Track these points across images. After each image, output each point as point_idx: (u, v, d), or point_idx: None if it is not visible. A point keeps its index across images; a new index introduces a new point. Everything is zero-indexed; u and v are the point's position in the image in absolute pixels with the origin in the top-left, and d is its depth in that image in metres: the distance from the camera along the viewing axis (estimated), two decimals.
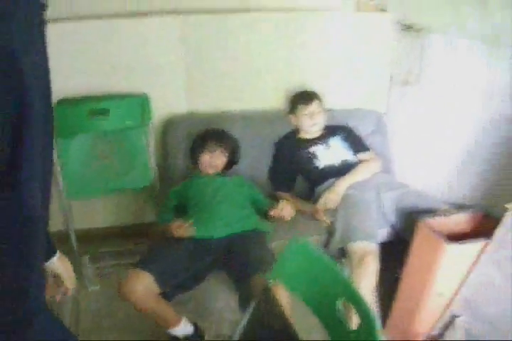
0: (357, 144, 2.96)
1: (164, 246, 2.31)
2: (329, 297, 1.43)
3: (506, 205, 1.82)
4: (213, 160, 2.67)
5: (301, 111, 2.88)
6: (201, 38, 2.83)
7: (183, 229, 2.32)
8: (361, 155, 2.92)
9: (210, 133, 2.75)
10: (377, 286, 2.26)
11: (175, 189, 2.68)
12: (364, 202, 2.58)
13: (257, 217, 2.56)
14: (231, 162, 2.79)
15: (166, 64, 2.84)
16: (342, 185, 2.69)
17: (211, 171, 2.69)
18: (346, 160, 2.86)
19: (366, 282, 2.21)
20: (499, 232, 1.83)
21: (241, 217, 2.49)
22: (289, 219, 2.47)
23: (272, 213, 2.43)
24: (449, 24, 2.49)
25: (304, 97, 2.91)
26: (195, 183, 2.67)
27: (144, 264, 2.12)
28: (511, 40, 2.11)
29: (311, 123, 2.87)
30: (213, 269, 2.36)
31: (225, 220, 2.42)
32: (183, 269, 2.22)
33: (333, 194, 2.65)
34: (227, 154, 2.73)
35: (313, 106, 2.87)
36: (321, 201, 2.66)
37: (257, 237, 2.42)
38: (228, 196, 2.56)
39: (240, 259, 2.25)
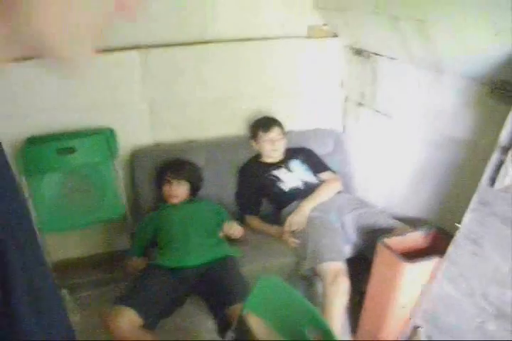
0: (317, 165, 3.07)
1: (142, 279, 2.39)
2: (298, 325, 1.55)
3: (457, 224, 1.96)
4: (173, 190, 2.75)
5: (262, 138, 2.96)
6: (162, 70, 2.90)
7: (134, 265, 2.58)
8: (322, 175, 3.03)
9: (168, 165, 2.83)
10: None
11: (142, 223, 2.76)
12: (329, 223, 2.69)
13: (226, 244, 2.64)
14: (194, 189, 2.87)
15: (129, 98, 2.90)
16: (306, 207, 2.79)
17: (175, 201, 2.76)
18: (309, 181, 2.96)
19: (340, 300, 2.33)
20: (450, 250, 1.98)
21: (212, 245, 2.56)
22: (238, 237, 2.68)
23: (220, 234, 2.62)
24: (396, 51, 2.61)
25: (264, 124, 2.98)
26: (163, 213, 2.72)
27: (125, 300, 2.19)
28: (453, 68, 2.25)
29: (271, 149, 2.96)
30: (191, 295, 2.43)
31: (197, 250, 2.49)
32: (162, 299, 2.29)
33: (298, 216, 2.75)
34: (187, 183, 2.80)
35: (274, 132, 2.95)
36: (287, 223, 2.75)
37: (229, 264, 2.49)
38: (197, 224, 2.64)
39: (214, 289, 2.33)
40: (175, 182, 2.75)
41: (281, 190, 2.94)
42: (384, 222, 2.62)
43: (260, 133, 2.97)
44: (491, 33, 1.85)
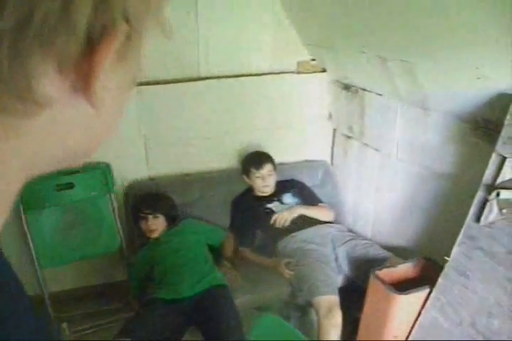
0: (309, 198, 3.15)
1: (141, 312, 2.46)
2: None
3: (446, 257, 2.05)
4: (150, 225, 2.75)
5: (254, 175, 3.03)
6: (156, 107, 2.99)
7: None
8: None
9: (140, 201, 2.84)
10: None
11: (135, 263, 2.82)
12: (324, 256, 2.77)
13: (217, 271, 2.69)
14: (171, 220, 2.86)
15: (125, 133, 2.94)
16: (298, 210, 2.97)
17: (154, 235, 2.77)
18: (301, 214, 3.03)
19: (335, 331, 2.41)
20: (440, 282, 2.07)
21: (204, 273, 2.60)
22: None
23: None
24: (383, 88, 2.72)
25: (256, 161, 3.06)
26: (151, 249, 2.76)
27: (125, 333, 2.25)
28: (438, 106, 2.36)
29: (263, 184, 3.04)
30: (189, 327, 2.48)
31: (189, 280, 2.54)
32: (161, 331, 2.35)
33: (288, 213, 2.94)
34: (162, 216, 2.79)
35: (265, 169, 3.02)
36: (275, 217, 2.93)
37: (222, 294, 2.54)
38: (186, 253, 2.67)
39: (210, 322, 2.39)
40: (150, 218, 2.75)
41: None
42: (376, 253, 2.71)
43: (252, 170, 3.04)
44: (474, 77, 1.97)
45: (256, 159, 3.08)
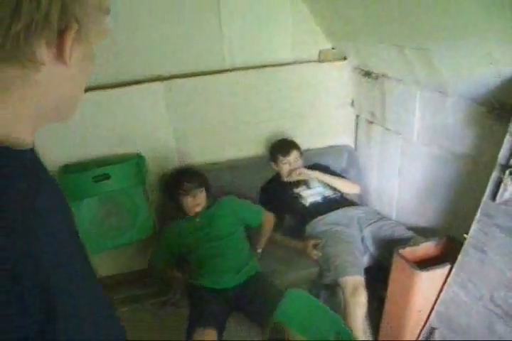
0: (333, 175, 3.25)
1: (200, 301, 2.55)
2: (324, 333, 1.75)
3: (465, 235, 2.15)
4: (196, 200, 2.72)
5: (281, 161, 3.16)
6: (184, 99, 3.09)
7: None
8: None
9: (181, 175, 2.79)
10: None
11: (166, 236, 2.83)
12: (351, 237, 2.88)
13: (255, 258, 2.78)
14: (208, 192, 2.85)
15: (156, 125, 3.09)
16: (318, 175, 3.15)
17: (198, 210, 2.75)
18: (327, 196, 3.15)
19: (360, 309, 2.52)
20: (460, 258, 2.16)
21: (244, 263, 2.67)
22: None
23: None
24: (402, 74, 2.80)
25: (283, 148, 3.18)
26: (185, 228, 2.76)
27: (203, 322, 2.38)
28: (455, 90, 2.42)
29: (290, 170, 3.16)
30: (232, 312, 2.59)
31: (231, 271, 2.61)
32: (221, 317, 2.49)
33: (306, 172, 3.13)
34: (205, 190, 2.79)
35: (292, 156, 3.15)
36: (298, 171, 3.12)
37: (262, 279, 2.64)
38: (226, 240, 2.70)
39: (254, 304, 2.48)
40: (197, 191, 2.73)
41: (303, 205, 3.12)
42: (400, 233, 2.81)
43: (279, 157, 3.17)
44: (487, 62, 2.04)
45: (282, 146, 3.20)
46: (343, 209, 3.08)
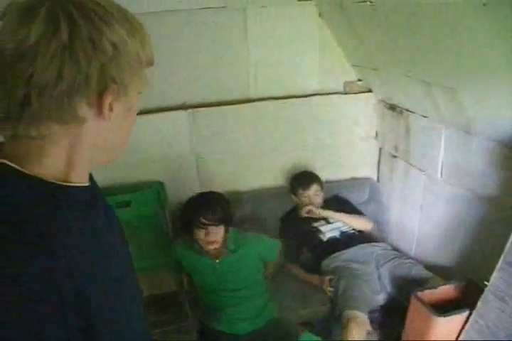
0: (349, 210, 3.22)
1: None
2: None
3: (485, 282, 2.10)
4: (211, 237, 2.29)
5: (301, 195, 3.14)
6: (208, 127, 3.11)
7: None
8: None
9: (200, 208, 2.31)
10: None
11: (176, 253, 2.55)
12: (365, 275, 2.84)
13: (272, 303, 2.66)
14: (228, 227, 2.38)
15: (179, 152, 3.11)
16: (329, 213, 3.12)
17: (211, 247, 2.33)
18: (346, 231, 3.11)
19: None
20: (479, 305, 2.11)
21: (260, 310, 2.55)
22: None
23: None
24: (428, 110, 2.78)
25: (303, 181, 3.15)
26: (202, 266, 2.43)
27: None
28: (481, 130, 2.39)
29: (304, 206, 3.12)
30: None
31: (248, 317, 2.50)
32: None
33: (320, 211, 3.09)
34: (223, 225, 2.32)
35: (312, 189, 3.12)
36: (308, 208, 3.08)
37: (278, 327, 2.53)
38: (244, 280, 2.48)
39: None
40: (213, 227, 2.27)
41: (321, 240, 3.07)
42: (418, 273, 2.75)
43: (299, 190, 3.14)
44: None
45: (303, 179, 3.17)
46: (360, 245, 3.03)
